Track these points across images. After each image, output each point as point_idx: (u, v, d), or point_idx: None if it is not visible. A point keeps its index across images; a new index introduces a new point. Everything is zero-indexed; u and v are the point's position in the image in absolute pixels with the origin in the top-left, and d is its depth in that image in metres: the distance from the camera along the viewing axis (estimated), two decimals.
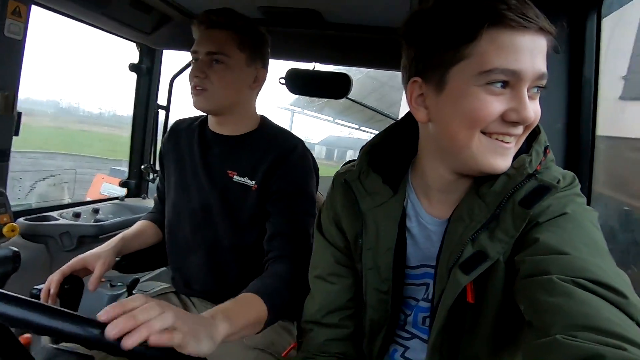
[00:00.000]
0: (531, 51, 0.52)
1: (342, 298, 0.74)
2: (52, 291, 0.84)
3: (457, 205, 0.62)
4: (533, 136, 0.61)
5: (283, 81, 1.58)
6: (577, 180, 0.60)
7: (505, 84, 0.53)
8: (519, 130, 0.56)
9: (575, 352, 0.40)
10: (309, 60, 1.60)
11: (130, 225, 1.15)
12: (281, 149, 1.01)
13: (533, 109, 0.54)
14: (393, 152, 0.69)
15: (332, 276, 0.75)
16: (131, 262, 1.14)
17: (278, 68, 1.72)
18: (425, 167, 0.67)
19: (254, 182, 1.01)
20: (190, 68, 1.00)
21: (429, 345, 0.64)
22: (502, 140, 0.56)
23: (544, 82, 0.54)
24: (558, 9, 0.72)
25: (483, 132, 0.55)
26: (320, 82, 1.59)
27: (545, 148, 0.60)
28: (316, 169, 1.08)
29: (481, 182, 0.60)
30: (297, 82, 1.58)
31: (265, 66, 1.05)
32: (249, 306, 0.77)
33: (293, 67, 1.58)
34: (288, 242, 0.95)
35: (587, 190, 0.72)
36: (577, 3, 0.72)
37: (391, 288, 0.68)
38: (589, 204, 0.71)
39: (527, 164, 0.57)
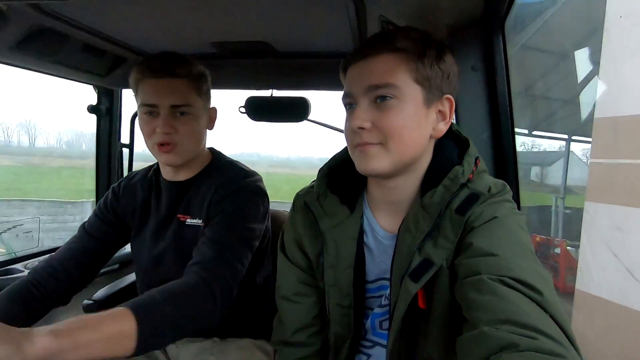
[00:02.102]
0: (360, 75, 0.65)
1: (308, 316, 0.78)
2: None
3: (404, 218, 0.68)
4: (464, 149, 0.68)
5: (243, 110, 1.64)
6: (507, 188, 0.67)
7: (351, 105, 0.67)
8: (363, 136, 0.64)
9: (497, 342, 0.46)
10: (266, 88, 1.66)
11: None
12: (221, 182, 0.98)
13: (362, 118, 0.64)
14: (350, 173, 0.73)
15: (297, 295, 0.78)
16: (106, 304, 1.13)
17: (238, 97, 1.78)
18: (369, 184, 0.74)
19: (201, 221, 0.99)
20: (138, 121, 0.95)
21: (388, 351, 0.68)
22: (361, 145, 0.66)
23: (379, 92, 0.63)
24: (470, 35, 0.82)
25: (355, 146, 0.67)
26: (279, 108, 1.65)
27: (476, 159, 0.68)
28: (261, 195, 1.01)
29: (424, 193, 0.66)
30: (257, 110, 1.64)
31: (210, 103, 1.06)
32: (106, 320, 0.63)
33: (251, 95, 1.64)
34: (206, 268, 0.83)
35: (515, 191, 0.81)
36: (484, 26, 0.82)
37: (352, 302, 0.72)
38: (517, 200, 0.79)
39: (460, 175, 0.64)
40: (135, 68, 0.96)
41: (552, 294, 0.51)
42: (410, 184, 0.69)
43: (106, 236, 1.09)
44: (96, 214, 1.12)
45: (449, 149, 0.70)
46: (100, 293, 1.23)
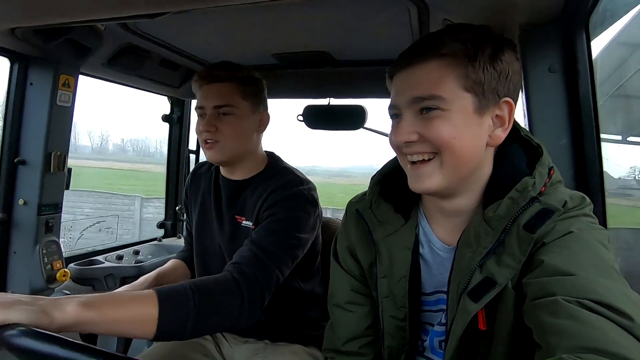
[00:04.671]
0: (404, 85, 0.61)
1: (361, 326, 0.76)
2: None
3: (464, 230, 0.64)
4: (536, 158, 0.62)
5: (301, 118, 1.68)
6: (587, 201, 0.60)
7: (397, 115, 0.63)
8: (413, 148, 0.62)
9: None
10: (324, 97, 1.69)
11: None
12: (274, 187, 1.00)
13: (408, 131, 0.61)
14: (402, 180, 0.70)
15: (350, 304, 0.76)
16: None
17: (296, 106, 1.83)
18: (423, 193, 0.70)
19: (251, 224, 1.02)
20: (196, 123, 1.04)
21: None
22: (410, 162, 0.62)
23: (424, 104, 0.59)
24: (547, 34, 0.76)
25: (405, 156, 0.64)
26: (336, 116, 1.66)
27: (550, 169, 0.61)
28: (313, 204, 1.02)
29: (487, 205, 0.61)
30: (315, 118, 1.67)
31: (266, 108, 1.11)
32: (131, 300, 0.68)
33: (309, 103, 1.68)
34: (240, 270, 0.84)
35: (600, 201, 0.72)
36: (564, 24, 0.76)
37: (407, 315, 0.69)
38: (603, 215, 0.70)
39: (530, 187, 0.58)
40: (194, 77, 1.06)
41: None
42: (469, 196, 0.64)
43: (190, 224, 1.22)
44: (184, 204, 1.26)
45: (517, 157, 0.63)
46: None
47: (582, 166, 0.74)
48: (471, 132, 0.60)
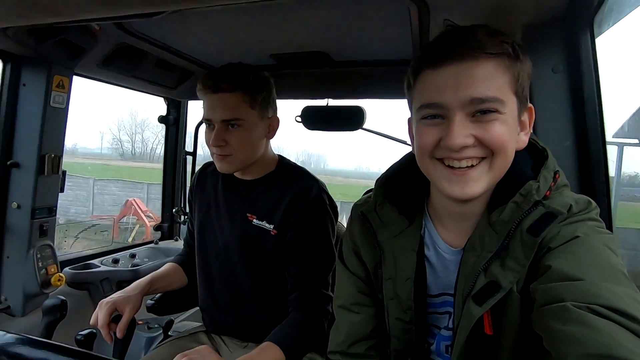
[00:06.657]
0: (454, 82, 0.55)
1: (367, 328, 0.75)
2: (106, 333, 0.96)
3: (471, 234, 0.63)
4: (542, 162, 0.61)
5: (299, 119, 1.66)
6: (592, 205, 0.59)
7: (436, 116, 0.57)
8: (466, 153, 0.56)
9: None
10: (322, 97, 1.67)
11: None
12: (295, 192, 1.02)
13: (464, 134, 0.55)
14: (408, 182, 0.70)
15: (356, 306, 0.76)
16: (165, 304, 1.20)
17: (294, 107, 1.81)
18: (433, 196, 0.69)
19: (272, 227, 1.03)
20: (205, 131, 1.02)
21: None
22: (451, 166, 0.58)
23: (483, 106, 0.54)
24: (550, 34, 0.75)
25: (437, 159, 0.59)
26: (335, 117, 1.65)
27: (555, 173, 0.60)
28: (333, 207, 1.08)
29: (492, 209, 0.61)
30: (313, 119, 1.65)
31: (275, 111, 1.08)
32: (267, 355, 0.90)
33: (308, 104, 1.66)
34: (306, 294, 1.01)
35: (606, 203, 0.71)
36: (569, 24, 0.74)
37: (413, 318, 0.68)
38: (609, 217, 0.69)
39: (534, 191, 0.58)
40: (198, 82, 1.02)
41: None
42: (480, 199, 0.62)
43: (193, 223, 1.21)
44: (188, 204, 1.25)
45: (522, 161, 0.62)
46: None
47: (587, 168, 0.73)
48: (515, 136, 0.59)
